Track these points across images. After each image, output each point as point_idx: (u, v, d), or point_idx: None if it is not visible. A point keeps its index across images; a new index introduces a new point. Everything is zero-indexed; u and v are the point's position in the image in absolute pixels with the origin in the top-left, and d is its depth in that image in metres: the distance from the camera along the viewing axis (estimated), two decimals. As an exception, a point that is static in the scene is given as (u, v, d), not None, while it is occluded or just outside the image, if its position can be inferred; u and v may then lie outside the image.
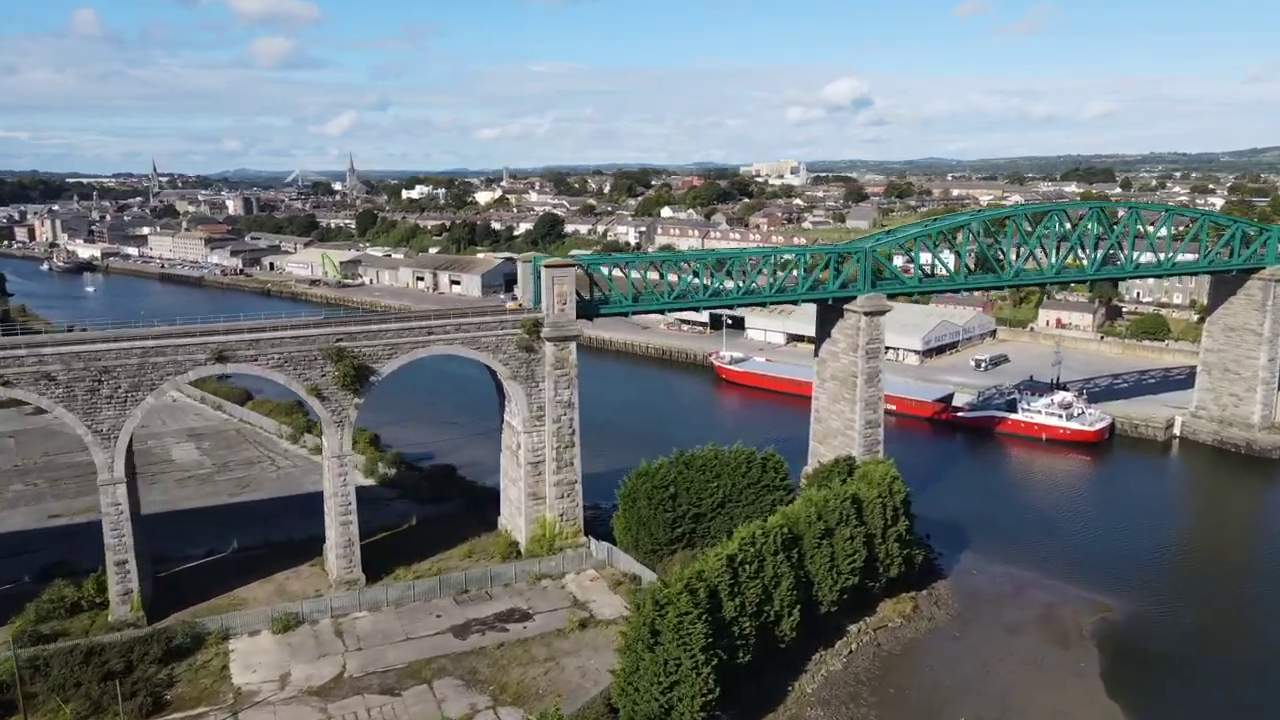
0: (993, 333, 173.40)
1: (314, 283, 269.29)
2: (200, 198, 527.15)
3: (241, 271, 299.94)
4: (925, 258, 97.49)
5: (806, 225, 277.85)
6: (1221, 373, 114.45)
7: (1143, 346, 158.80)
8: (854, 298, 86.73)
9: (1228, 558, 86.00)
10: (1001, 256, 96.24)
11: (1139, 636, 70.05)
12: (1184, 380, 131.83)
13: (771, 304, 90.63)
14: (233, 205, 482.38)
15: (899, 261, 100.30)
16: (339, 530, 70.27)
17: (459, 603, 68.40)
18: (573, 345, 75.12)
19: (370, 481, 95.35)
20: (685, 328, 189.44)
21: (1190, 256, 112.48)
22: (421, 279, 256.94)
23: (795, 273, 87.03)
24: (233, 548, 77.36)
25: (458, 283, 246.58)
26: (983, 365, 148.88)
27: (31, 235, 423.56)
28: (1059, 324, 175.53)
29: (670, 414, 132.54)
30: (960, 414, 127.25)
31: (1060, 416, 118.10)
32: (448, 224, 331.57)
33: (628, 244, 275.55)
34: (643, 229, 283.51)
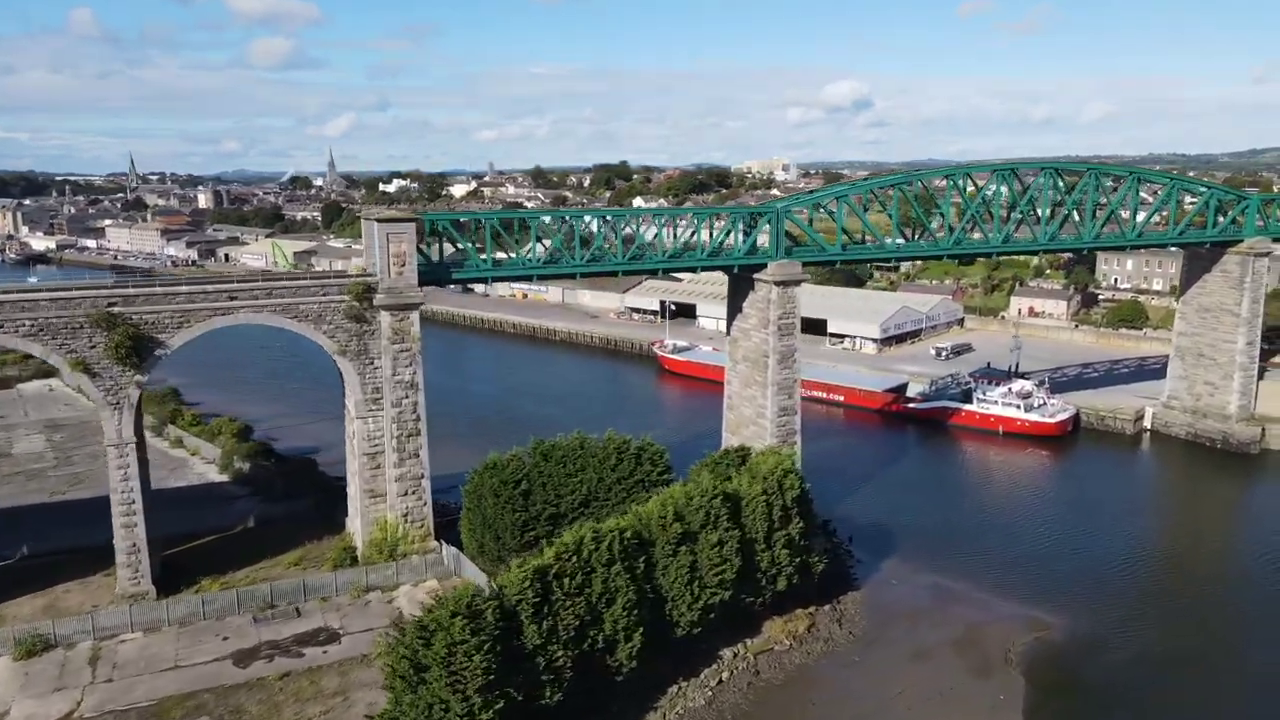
0: (960, 321, 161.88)
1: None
2: (174, 193, 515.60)
3: (194, 263, 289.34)
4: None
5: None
6: (1196, 359, 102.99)
7: (1119, 335, 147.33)
8: (764, 265, 75.30)
9: (1197, 568, 74.43)
10: (942, 222, 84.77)
11: (1079, 661, 58.64)
12: (1159, 370, 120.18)
13: (666, 272, 79.05)
14: (203, 199, 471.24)
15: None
16: (122, 535, 58.88)
17: (259, 621, 56.98)
18: (414, 315, 63.64)
19: (223, 478, 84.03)
20: (636, 316, 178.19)
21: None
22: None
23: (701, 237, 75.80)
24: (21, 554, 65.94)
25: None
26: (944, 354, 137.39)
27: (18, 233, 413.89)
28: (1031, 312, 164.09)
29: (603, 406, 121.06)
30: (911, 405, 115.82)
31: (1018, 407, 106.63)
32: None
33: (591, 233, 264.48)
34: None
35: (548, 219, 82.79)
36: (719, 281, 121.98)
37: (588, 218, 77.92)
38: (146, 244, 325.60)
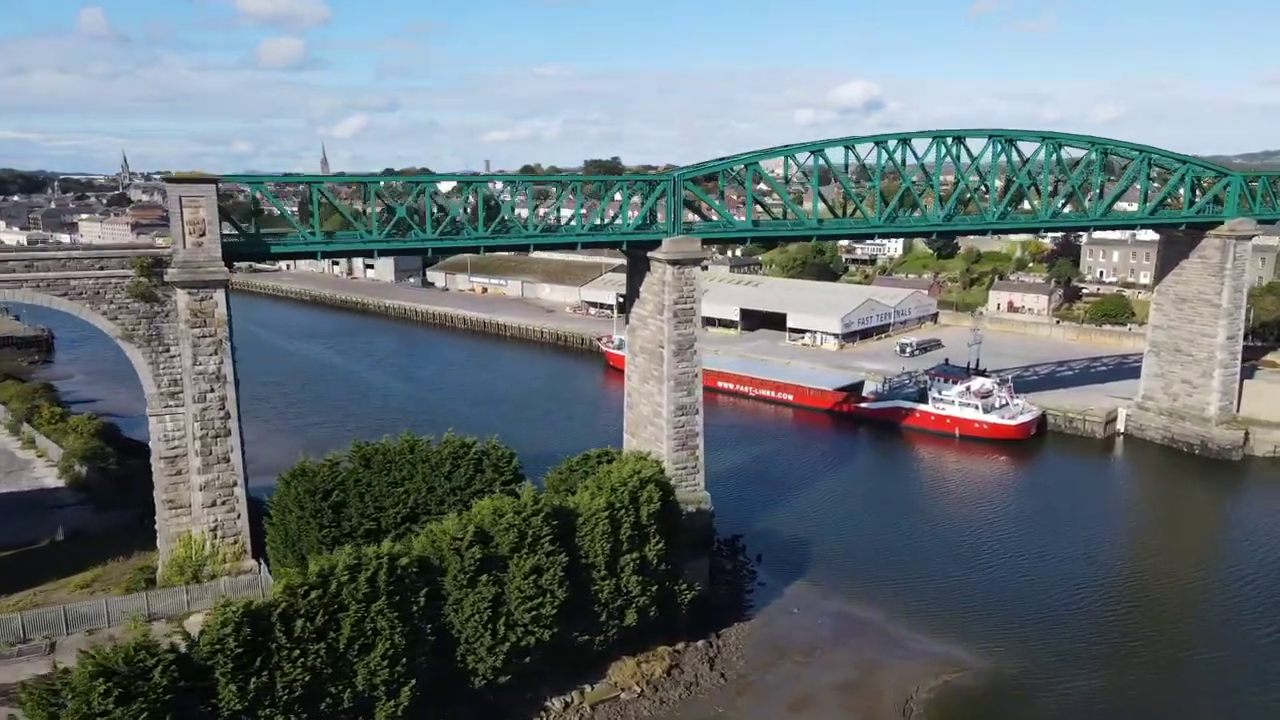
0: (934, 316, 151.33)
1: None
2: (159, 189, 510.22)
3: None
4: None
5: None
6: (1172, 354, 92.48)
7: (1101, 331, 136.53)
8: (658, 242, 65.41)
9: (1162, 598, 63.80)
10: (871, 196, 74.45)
11: (993, 711, 48.60)
12: (1139, 368, 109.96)
13: (538, 247, 69.01)
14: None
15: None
16: None
17: (2, 658, 47.42)
18: (219, 295, 53.95)
19: (61, 482, 74.66)
20: (593, 311, 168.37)
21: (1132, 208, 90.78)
22: (337, 263, 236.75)
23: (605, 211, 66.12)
24: None
25: (371, 266, 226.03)
26: (909, 350, 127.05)
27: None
28: (1011, 307, 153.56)
29: (541, 406, 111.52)
30: (863, 405, 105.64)
31: (976, 408, 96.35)
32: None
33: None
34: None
35: (398, 184, 72.84)
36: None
37: (442, 184, 67.75)
38: (116, 236, 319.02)
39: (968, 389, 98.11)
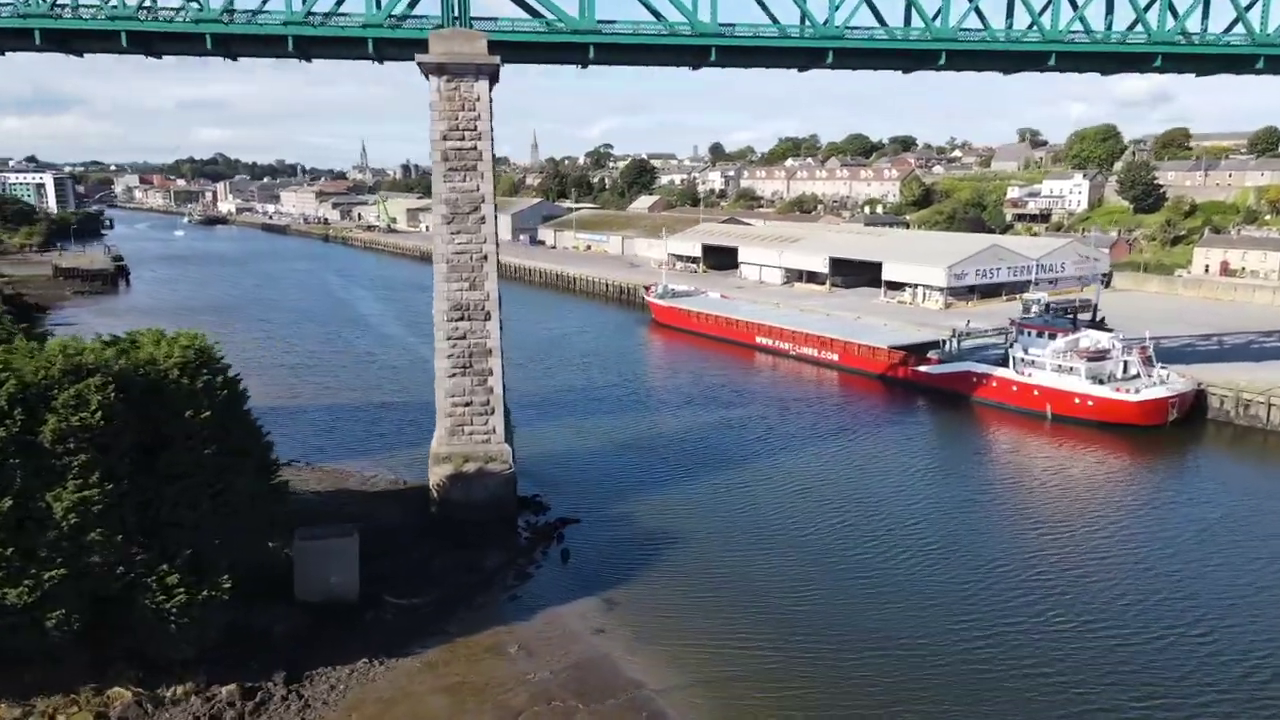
0: (1105, 279, 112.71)
1: (369, 228, 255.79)
2: (372, 169, 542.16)
3: (324, 220, 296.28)
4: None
5: (937, 170, 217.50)
6: None
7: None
8: (422, 43, 41.48)
9: None
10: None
11: None
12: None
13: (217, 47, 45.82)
14: (397, 174, 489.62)
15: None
16: None
17: None
18: None
19: None
20: (679, 265, 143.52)
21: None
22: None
23: None
24: None
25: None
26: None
27: (215, 200, 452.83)
28: (1225, 270, 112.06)
29: (548, 360, 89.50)
30: (922, 369, 74.48)
31: (1078, 374, 63.26)
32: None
33: (710, 190, 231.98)
34: (730, 173, 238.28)
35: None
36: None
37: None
38: (305, 207, 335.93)
39: (1070, 346, 65.01)
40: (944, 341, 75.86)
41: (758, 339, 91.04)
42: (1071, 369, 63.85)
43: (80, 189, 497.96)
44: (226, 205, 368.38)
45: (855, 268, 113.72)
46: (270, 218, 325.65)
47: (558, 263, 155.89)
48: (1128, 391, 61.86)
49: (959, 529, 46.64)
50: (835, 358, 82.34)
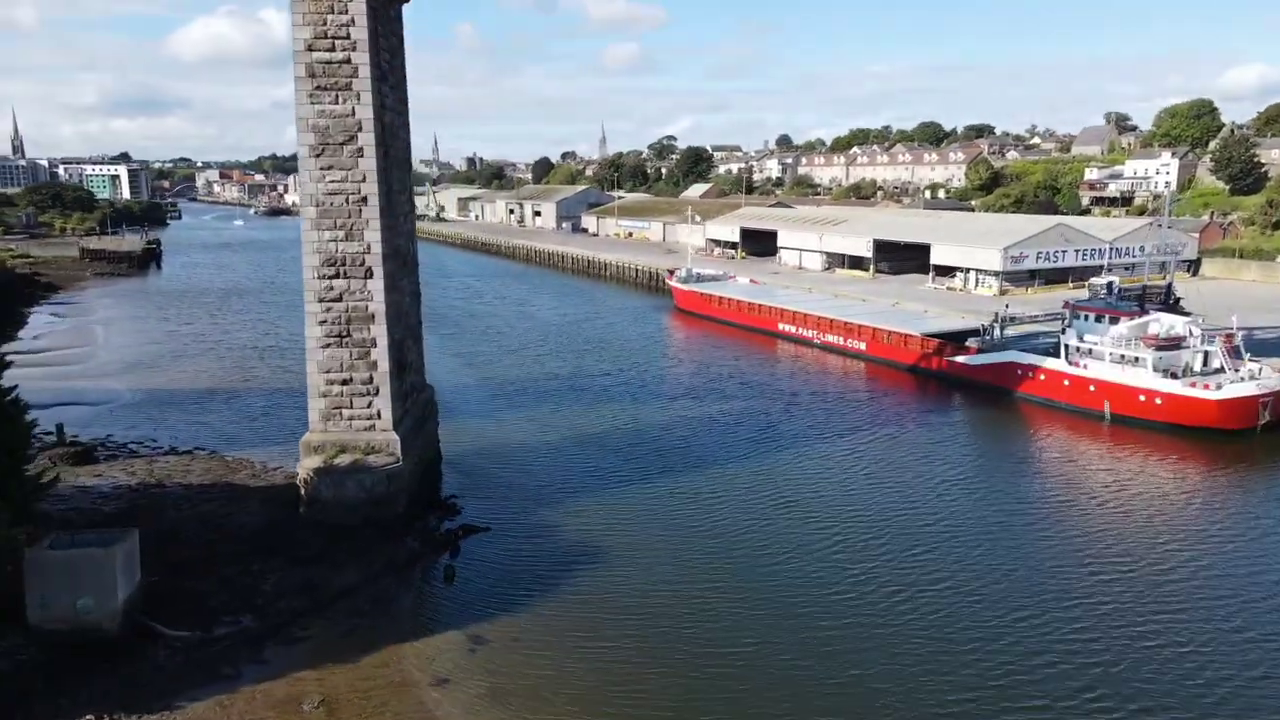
0: (1191, 266, 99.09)
1: (419, 217, 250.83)
2: (438, 164, 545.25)
3: None
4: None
5: (1012, 154, 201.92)
6: None
7: None
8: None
9: None
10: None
11: None
12: None
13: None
14: (462, 166, 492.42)
15: None
16: None
17: None
18: None
19: None
20: (717, 251, 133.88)
21: None
22: (513, 210, 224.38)
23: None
24: None
25: (539, 213, 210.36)
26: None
27: (284, 193, 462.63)
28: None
29: (545, 346, 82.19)
30: (959, 359, 63.63)
31: (1145, 365, 51.94)
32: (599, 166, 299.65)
33: (767, 178, 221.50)
34: (788, 160, 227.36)
35: None
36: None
37: None
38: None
39: (1134, 332, 53.62)
40: (985, 328, 64.85)
41: (780, 326, 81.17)
42: (1136, 359, 52.49)
43: (165, 183, 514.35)
44: (291, 197, 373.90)
45: (902, 252, 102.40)
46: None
47: (590, 248, 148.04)
48: (1207, 387, 50.27)
49: (984, 565, 36.29)
50: (863, 346, 71.91)
